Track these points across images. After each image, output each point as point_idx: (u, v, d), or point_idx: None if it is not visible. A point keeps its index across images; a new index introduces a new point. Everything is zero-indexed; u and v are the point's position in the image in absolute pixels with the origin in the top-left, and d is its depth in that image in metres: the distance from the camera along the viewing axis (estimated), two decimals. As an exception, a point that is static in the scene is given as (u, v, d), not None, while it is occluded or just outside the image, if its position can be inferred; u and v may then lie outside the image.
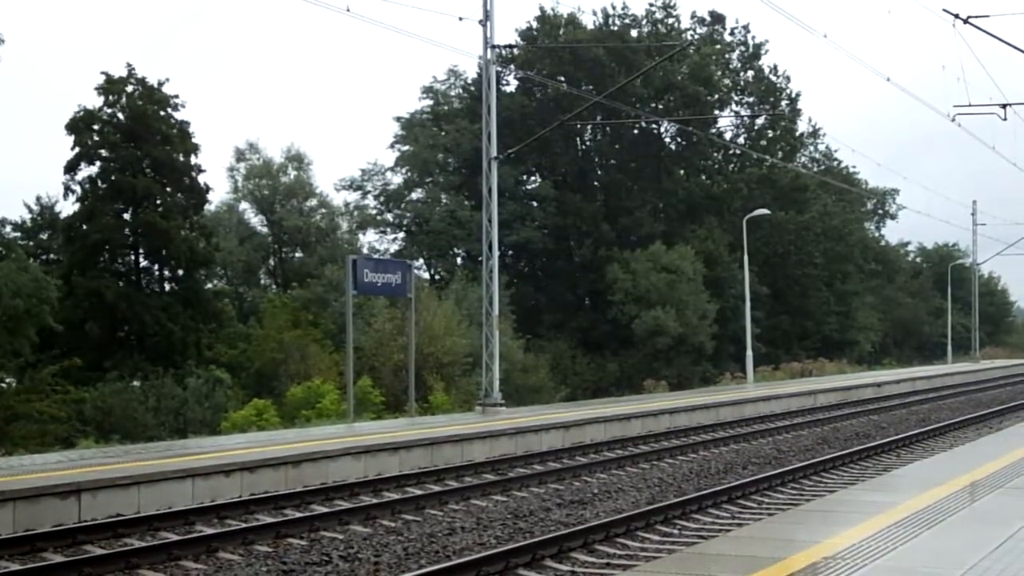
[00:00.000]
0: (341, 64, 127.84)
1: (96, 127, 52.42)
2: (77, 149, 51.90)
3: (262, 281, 70.73)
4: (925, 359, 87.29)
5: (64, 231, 53.94)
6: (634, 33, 72.28)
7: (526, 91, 68.60)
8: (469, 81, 69.53)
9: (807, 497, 16.59)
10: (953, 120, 36.13)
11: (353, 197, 72.32)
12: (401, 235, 70.21)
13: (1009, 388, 46.15)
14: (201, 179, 54.42)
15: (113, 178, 51.72)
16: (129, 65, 52.77)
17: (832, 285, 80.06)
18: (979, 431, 26.82)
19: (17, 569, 11.74)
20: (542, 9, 69.97)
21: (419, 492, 16.93)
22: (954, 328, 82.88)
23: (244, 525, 14.24)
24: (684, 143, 73.87)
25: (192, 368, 47.90)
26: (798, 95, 77.62)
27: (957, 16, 25.68)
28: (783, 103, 76.98)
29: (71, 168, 52.02)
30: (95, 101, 52.48)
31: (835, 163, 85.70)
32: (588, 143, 73.03)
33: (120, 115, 52.53)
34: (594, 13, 72.31)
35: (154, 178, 52.07)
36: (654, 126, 71.72)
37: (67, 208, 54.28)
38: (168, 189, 52.93)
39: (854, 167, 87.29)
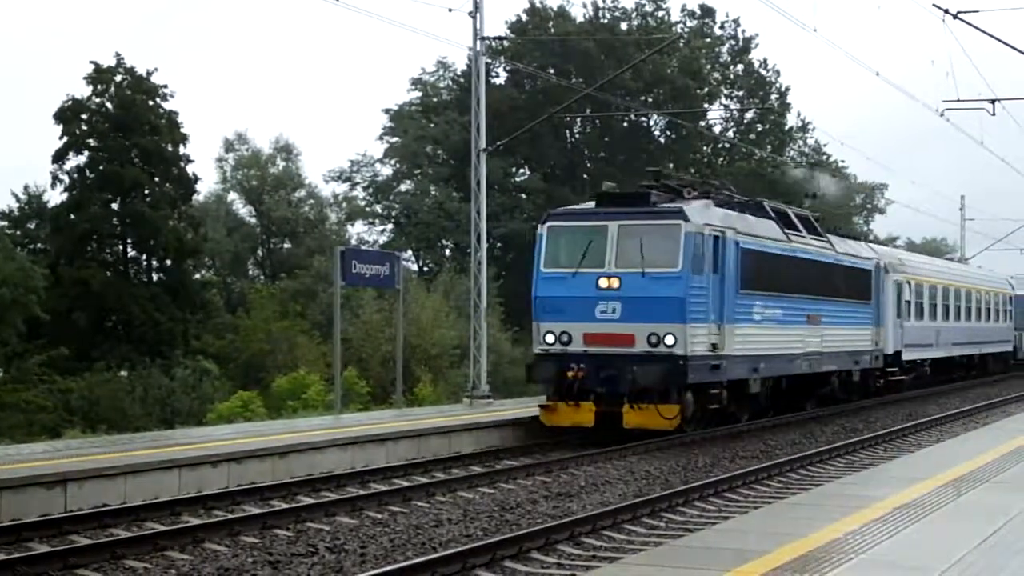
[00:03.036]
0: (330, 55, 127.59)
1: (84, 116, 52.37)
2: (65, 138, 51.83)
3: (250, 272, 70.66)
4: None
5: (52, 220, 53.87)
6: (624, 26, 72.29)
7: (516, 83, 68.56)
8: (458, 73, 69.51)
9: (794, 491, 16.61)
10: (942, 115, 36.18)
11: (342, 188, 72.32)
12: (390, 227, 70.21)
13: (998, 384, 46.22)
14: (189, 169, 54.44)
15: (101, 168, 51.65)
16: (118, 55, 52.75)
17: (821, 279, 79.98)
18: (966, 426, 26.88)
19: (2, 559, 11.72)
20: (532, 1, 69.97)
21: (406, 484, 16.91)
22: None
23: (231, 516, 14.22)
24: (673, 136, 73.91)
25: (179, 358, 47.86)
26: (788, 89, 77.72)
27: (947, 11, 25.71)
28: (773, 97, 77.05)
29: (59, 157, 51.98)
30: (84, 90, 52.45)
31: (825, 157, 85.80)
32: (577, 136, 73.03)
33: (109, 104, 52.49)
34: (584, 6, 72.39)
35: (142, 168, 51.99)
36: (643, 119, 71.76)
37: (55, 197, 54.28)
38: (156, 179, 52.88)
39: (843, 161, 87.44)
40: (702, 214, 22.32)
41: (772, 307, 24.71)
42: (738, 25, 76.56)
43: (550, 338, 22.07)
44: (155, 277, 54.02)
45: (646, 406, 21.12)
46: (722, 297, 22.34)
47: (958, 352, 41.73)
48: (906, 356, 34.05)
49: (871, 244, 34.57)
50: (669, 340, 21.02)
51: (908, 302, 34.67)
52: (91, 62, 52.37)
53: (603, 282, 21.63)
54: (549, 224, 22.80)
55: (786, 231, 25.92)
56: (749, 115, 77.01)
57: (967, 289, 43.33)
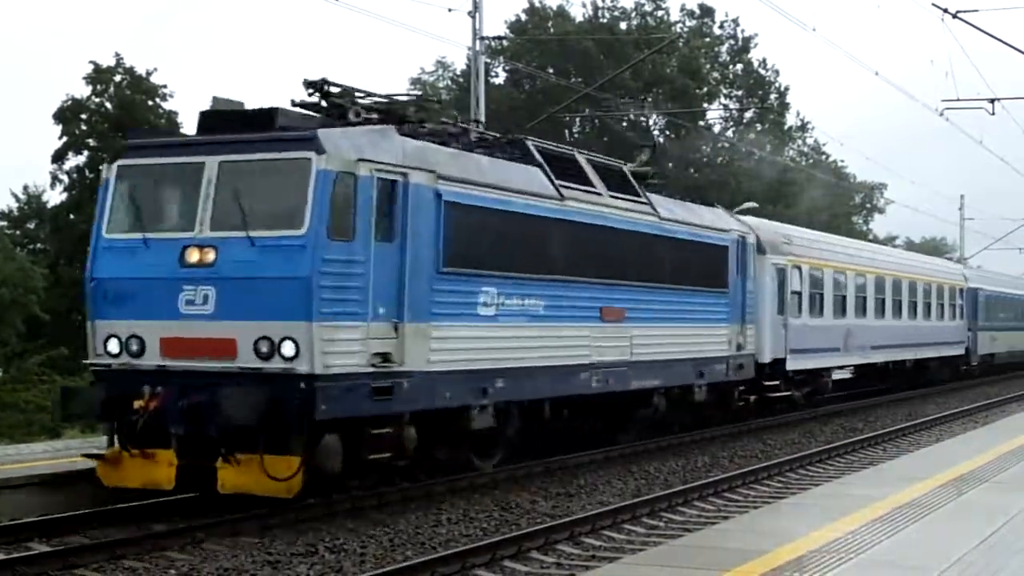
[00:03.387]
0: (329, 54, 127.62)
1: (84, 116, 52.36)
2: (65, 138, 51.84)
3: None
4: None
5: (51, 220, 53.89)
6: (623, 26, 72.32)
7: (515, 83, 68.57)
8: (458, 73, 69.45)
9: (793, 490, 16.62)
10: (941, 115, 36.17)
11: (341, 188, 72.23)
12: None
13: (998, 384, 46.23)
14: (189, 169, 54.35)
15: (101, 168, 51.65)
16: (117, 54, 52.71)
17: (820, 279, 79.86)
18: (965, 425, 26.88)
19: (2, 559, 11.71)
20: (531, 1, 69.98)
21: (406, 484, 16.88)
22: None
23: (230, 516, 14.20)
24: (672, 136, 73.93)
25: (178, 358, 47.87)
26: (787, 89, 77.76)
27: (946, 11, 25.72)
28: (772, 96, 77.10)
29: (59, 157, 51.98)
30: (83, 90, 52.47)
31: (824, 156, 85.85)
32: (576, 135, 72.96)
33: (108, 104, 52.45)
34: (583, 5, 72.43)
35: (142, 168, 51.98)
36: (643, 119, 71.76)
37: (54, 197, 54.28)
38: (156, 179, 52.86)
39: (842, 161, 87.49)
40: (360, 144, 13.84)
41: (521, 296, 16.51)
42: (737, 25, 76.62)
43: (114, 346, 13.82)
44: (155, 277, 54.02)
45: (249, 457, 13.08)
46: (403, 279, 14.09)
47: (882, 357, 33.54)
48: (792, 365, 26.14)
49: (742, 216, 26.03)
50: (287, 349, 13.00)
51: (797, 293, 26.75)
52: (91, 62, 52.35)
53: (192, 255, 13.48)
54: (121, 163, 14.77)
55: (560, 183, 17.61)
56: (748, 115, 77.05)
57: (897, 278, 34.70)
